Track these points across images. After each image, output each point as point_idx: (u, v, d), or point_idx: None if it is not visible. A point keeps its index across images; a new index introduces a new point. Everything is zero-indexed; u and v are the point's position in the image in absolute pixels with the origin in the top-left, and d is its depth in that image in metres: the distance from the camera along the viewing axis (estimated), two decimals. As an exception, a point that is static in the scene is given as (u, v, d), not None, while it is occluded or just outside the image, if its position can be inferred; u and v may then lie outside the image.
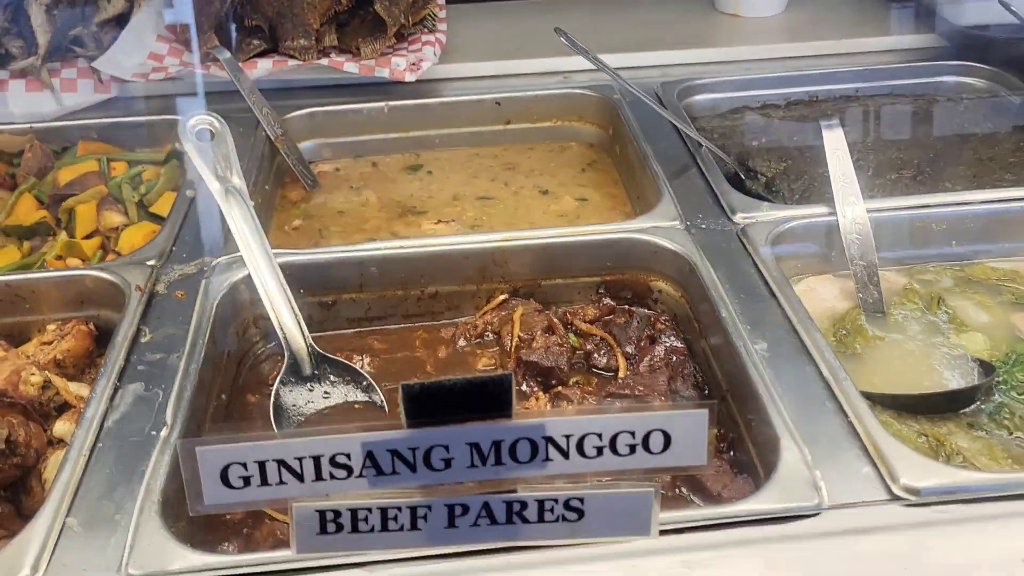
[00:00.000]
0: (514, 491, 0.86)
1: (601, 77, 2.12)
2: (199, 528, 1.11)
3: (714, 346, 1.36)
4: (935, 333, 1.44)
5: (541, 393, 1.35)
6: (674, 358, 1.41)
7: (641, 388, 1.30)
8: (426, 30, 2.08)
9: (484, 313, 1.51)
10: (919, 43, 2.21)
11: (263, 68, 1.96)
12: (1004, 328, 1.45)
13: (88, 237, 1.70)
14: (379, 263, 1.48)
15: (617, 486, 0.83)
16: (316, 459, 0.82)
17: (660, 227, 1.53)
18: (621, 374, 1.39)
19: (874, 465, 1.07)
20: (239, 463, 0.82)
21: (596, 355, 1.43)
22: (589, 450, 0.81)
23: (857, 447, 1.10)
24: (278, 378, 1.36)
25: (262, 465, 0.82)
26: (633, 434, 0.81)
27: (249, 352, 1.48)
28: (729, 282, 1.41)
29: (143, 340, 1.33)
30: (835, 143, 1.58)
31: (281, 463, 0.82)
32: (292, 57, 1.97)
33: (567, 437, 0.81)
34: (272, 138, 1.88)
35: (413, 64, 1.96)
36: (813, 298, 1.53)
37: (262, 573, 0.98)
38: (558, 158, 2.04)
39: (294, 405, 1.36)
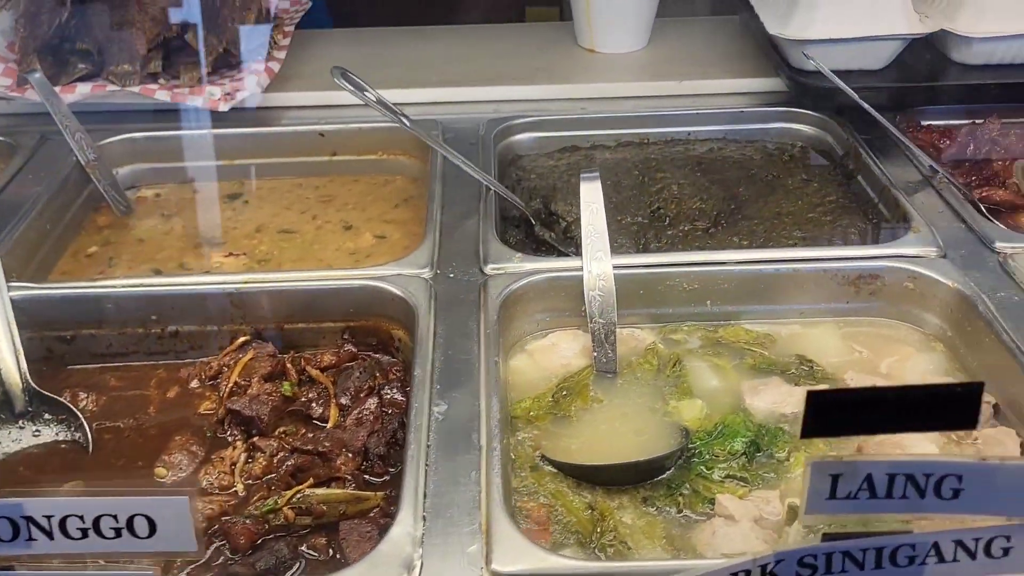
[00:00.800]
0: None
1: (431, 111, 2.14)
2: None
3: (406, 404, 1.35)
4: (657, 398, 1.42)
5: (240, 443, 1.35)
6: (389, 411, 1.40)
7: (328, 444, 1.30)
8: (260, 58, 2.09)
9: (225, 354, 1.52)
10: (765, 87, 2.17)
11: (81, 92, 1.98)
12: (731, 395, 1.42)
13: None
14: (115, 300, 1.49)
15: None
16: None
17: (403, 275, 1.52)
18: (330, 425, 1.39)
19: (482, 544, 1.06)
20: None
21: (315, 404, 1.43)
22: (73, 532, 0.81)
23: (475, 523, 1.09)
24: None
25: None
26: (116, 518, 0.81)
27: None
28: (445, 336, 1.40)
29: None
30: (591, 195, 1.55)
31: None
32: (111, 82, 1.99)
33: (48, 518, 0.81)
34: (83, 163, 1.90)
35: (228, 94, 1.97)
36: (551, 354, 1.51)
37: None
38: (379, 191, 2.04)
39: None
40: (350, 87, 1.68)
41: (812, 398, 0.81)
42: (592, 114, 2.11)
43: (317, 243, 1.86)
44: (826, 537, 0.86)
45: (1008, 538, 0.85)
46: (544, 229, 1.80)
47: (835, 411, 0.81)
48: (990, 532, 0.85)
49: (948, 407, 0.81)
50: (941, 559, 0.86)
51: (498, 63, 2.29)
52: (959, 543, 0.86)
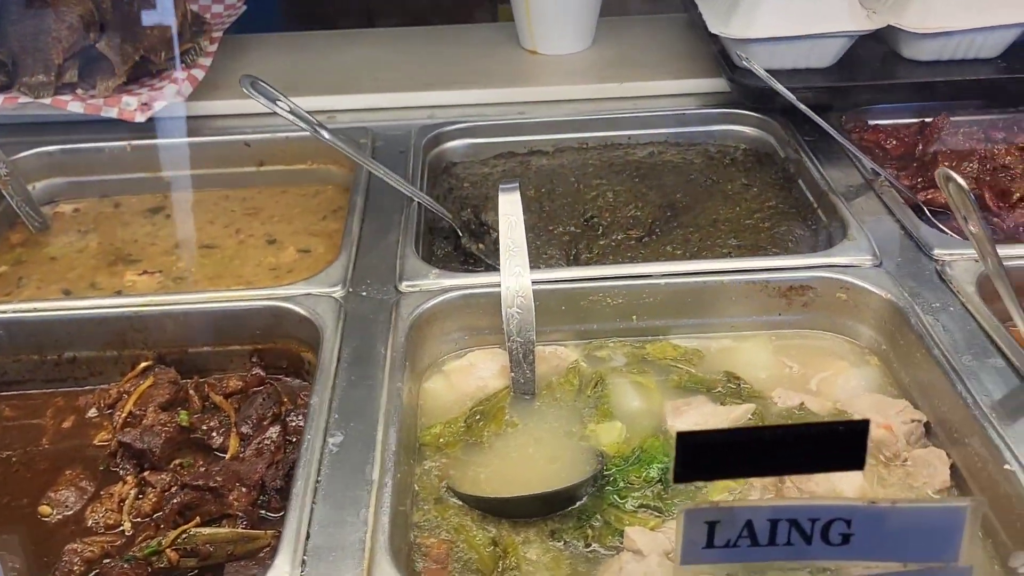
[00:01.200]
0: None
1: (364, 118, 2.07)
2: None
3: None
4: (576, 421, 1.35)
5: (131, 478, 1.28)
6: (294, 440, 1.33)
7: (220, 479, 1.22)
8: (184, 65, 2.01)
9: (126, 381, 1.44)
10: (710, 88, 2.10)
11: (-8, 105, 1.91)
12: (652, 417, 1.35)
13: None
14: (7, 326, 1.42)
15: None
16: None
17: (312, 294, 1.45)
18: (228, 456, 1.32)
19: (362, 590, 0.99)
20: None
21: (215, 433, 1.35)
22: None
23: (359, 567, 1.01)
24: None
25: None
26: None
27: None
28: (350, 360, 1.33)
29: None
30: (509, 207, 1.48)
31: None
32: (24, 94, 1.91)
33: None
34: (-6, 178, 1.83)
35: (145, 104, 1.89)
36: (468, 375, 1.44)
37: None
38: (308, 203, 1.96)
39: None
40: (261, 97, 1.60)
41: (682, 440, 0.74)
42: (530, 119, 2.03)
43: (238, 258, 1.79)
44: (709, 588, 0.79)
45: (905, 585, 0.79)
46: (472, 241, 1.73)
47: (709, 453, 0.74)
48: (885, 579, 0.79)
49: (833, 448, 0.74)
50: (834, 609, 0.80)
51: (435, 67, 2.22)
52: (852, 591, 0.79)
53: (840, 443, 0.75)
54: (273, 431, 1.33)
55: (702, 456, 0.75)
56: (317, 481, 1.12)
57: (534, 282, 1.42)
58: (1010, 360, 1.26)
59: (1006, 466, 1.09)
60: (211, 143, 1.98)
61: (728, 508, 0.77)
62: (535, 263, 1.63)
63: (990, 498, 1.13)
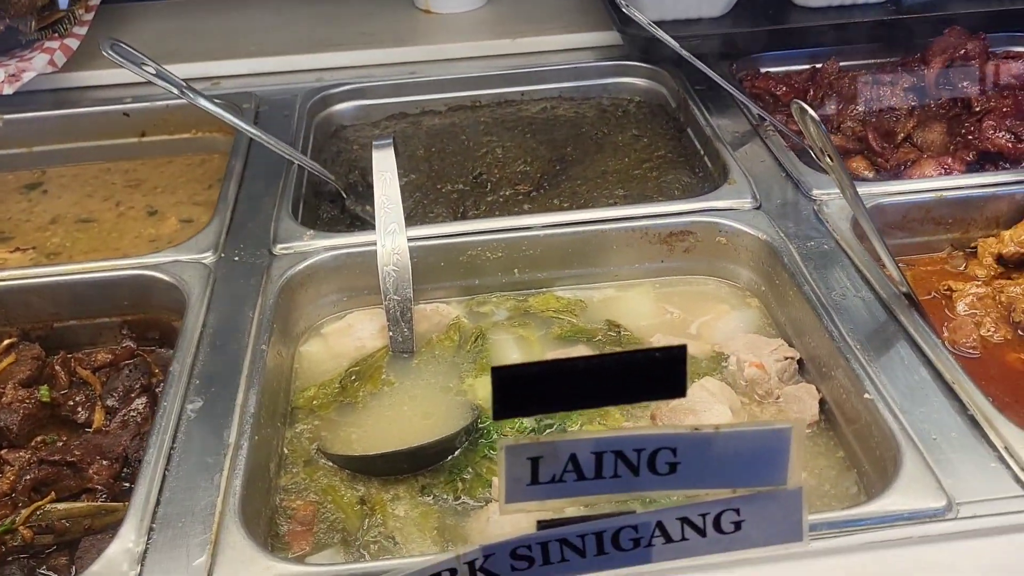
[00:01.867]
0: None
1: (250, 83, 2.00)
2: None
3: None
4: (453, 376, 1.33)
5: (-12, 456, 1.23)
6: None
7: (79, 452, 1.18)
8: (57, 35, 1.93)
9: (-12, 359, 1.39)
10: (604, 41, 2.07)
11: None
12: (531, 369, 1.33)
13: None
14: None
15: None
16: None
17: (180, 261, 1.40)
18: (92, 430, 1.27)
19: (208, 555, 0.95)
20: None
21: (80, 408, 1.30)
22: None
23: (207, 533, 0.98)
24: None
25: None
26: None
27: None
28: (216, 326, 1.29)
29: None
30: (383, 164, 1.44)
31: None
32: None
33: None
34: None
35: (13, 75, 1.81)
36: (346, 336, 1.41)
37: None
38: (193, 172, 1.90)
39: None
40: (124, 60, 1.53)
41: (498, 374, 0.72)
42: (421, 78, 1.99)
43: (116, 231, 1.72)
44: (541, 525, 0.77)
45: (737, 511, 0.78)
46: (358, 203, 1.69)
47: (525, 387, 0.72)
48: (717, 506, 0.78)
49: (653, 375, 0.73)
50: (668, 539, 0.78)
51: (324, 29, 2.16)
52: (685, 520, 0.78)
53: (660, 370, 0.74)
54: (139, 402, 1.28)
55: (520, 390, 0.73)
56: (172, 448, 1.08)
57: (411, 239, 1.39)
58: (877, 293, 1.27)
59: (866, 395, 1.10)
60: (88, 114, 1.90)
61: (550, 443, 0.76)
62: (422, 222, 1.60)
63: (854, 429, 1.14)
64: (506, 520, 1.05)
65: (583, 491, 0.76)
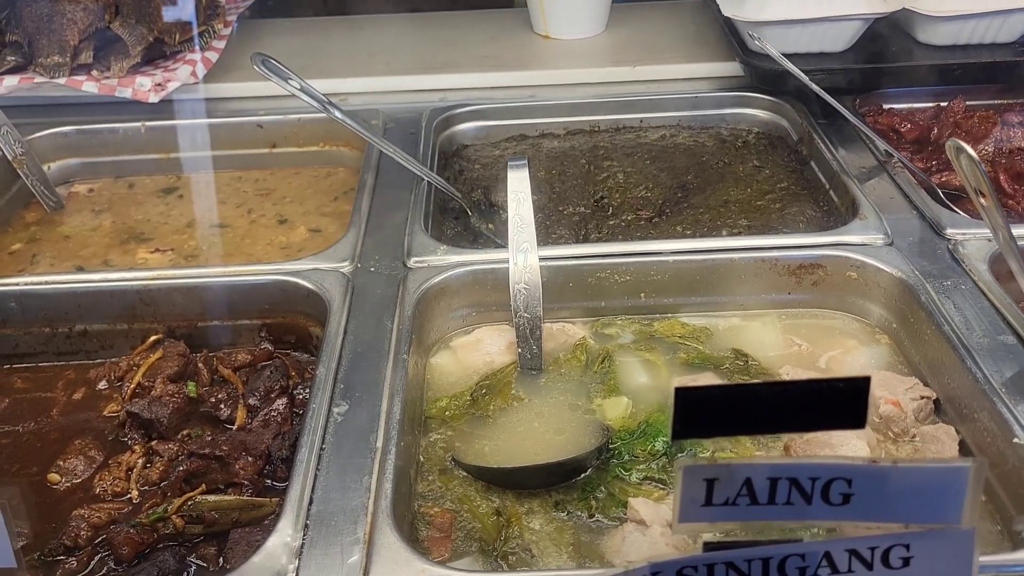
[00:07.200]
0: None
1: (375, 100, 2.07)
2: None
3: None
4: (582, 395, 1.35)
5: (139, 447, 1.29)
6: (301, 412, 1.33)
7: (227, 448, 1.23)
8: (197, 48, 2.03)
9: (136, 354, 1.45)
10: (723, 72, 2.08)
11: (7, 85, 1.92)
12: (658, 393, 1.34)
13: None
14: (19, 299, 1.43)
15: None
16: None
17: (320, 269, 1.45)
18: (236, 427, 1.32)
19: (363, 554, 0.99)
20: None
21: (223, 405, 1.36)
22: None
23: (359, 532, 1.01)
24: None
25: None
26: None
27: None
28: (357, 333, 1.33)
29: None
30: (518, 184, 1.47)
31: None
32: (39, 74, 1.93)
33: None
34: (11, 158, 1.84)
35: (159, 84, 1.91)
36: (475, 350, 1.44)
37: None
38: (320, 184, 1.97)
39: None
40: (272, 75, 1.60)
41: (681, 395, 0.73)
42: (540, 102, 2.03)
43: (248, 238, 1.80)
44: (708, 546, 0.79)
45: (907, 547, 0.78)
46: (482, 221, 1.73)
47: (706, 409, 0.74)
48: (887, 540, 0.78)
49: (834, 405, 0.74)
50: (835, 570, 0.79)
51: (447, 51, 2.22)
52: (853, 552, 0.78)
53: (841, 401, 0.75)
54: (280, 403, 1.33)
55: (701, 412, 0.75)
56: (321, 449, 1.13)
57: (542, 259, 1.42)
58: (1021, 337, 1.25)
59: (1015, 440, 1.08)
60: (224, 124, 1.99)
61: (727, 465, 0.77)
62: (545, 243, 1.63)
63: (999, 473, 1.12)
64: (643, 540, 1.08)
65: (755, 515, 0.77)
